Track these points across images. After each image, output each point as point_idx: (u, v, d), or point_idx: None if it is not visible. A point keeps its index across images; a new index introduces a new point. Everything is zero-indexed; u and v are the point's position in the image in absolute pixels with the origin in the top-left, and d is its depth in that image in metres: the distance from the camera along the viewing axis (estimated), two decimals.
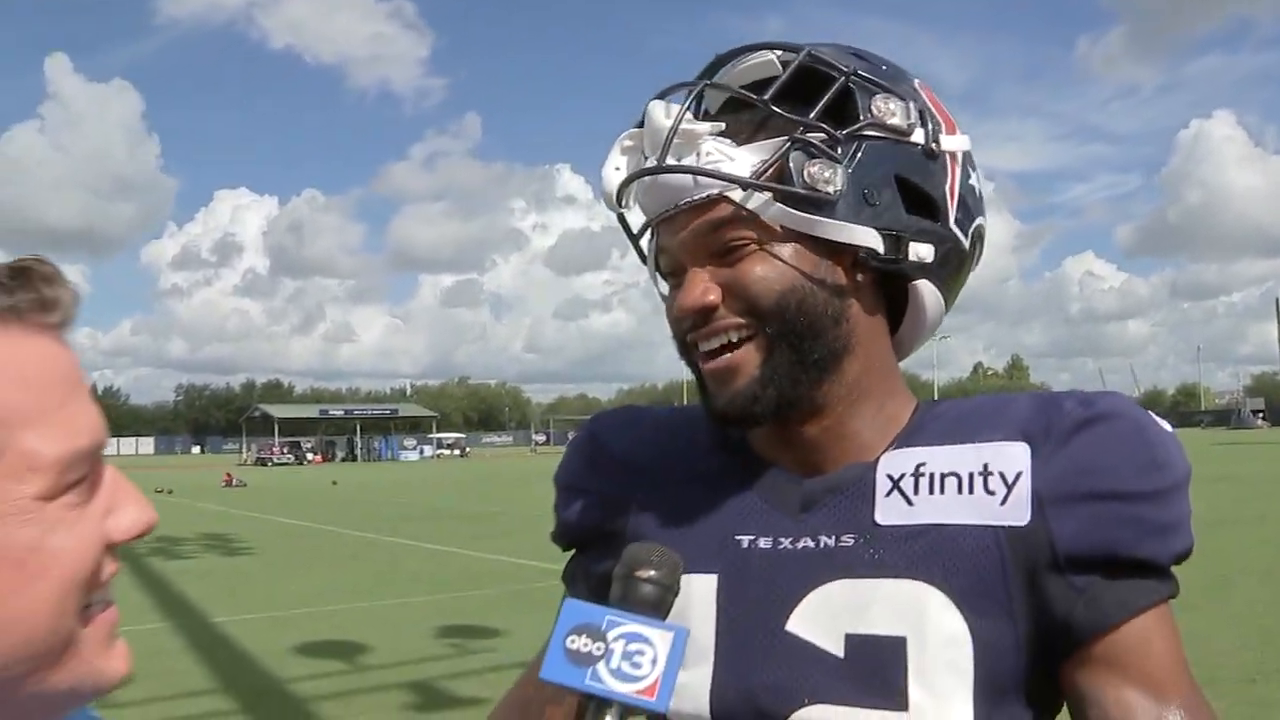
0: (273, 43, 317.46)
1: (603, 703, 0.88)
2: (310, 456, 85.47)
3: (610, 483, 1.25)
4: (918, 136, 1.11)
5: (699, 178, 1.07)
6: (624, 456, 1.26)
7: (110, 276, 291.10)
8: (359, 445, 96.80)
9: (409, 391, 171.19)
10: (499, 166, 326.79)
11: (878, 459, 1.12)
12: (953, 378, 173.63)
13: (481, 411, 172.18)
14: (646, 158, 1.10)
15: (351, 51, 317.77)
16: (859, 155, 1.08)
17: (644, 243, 1.21)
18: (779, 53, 1.12)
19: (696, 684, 1.09)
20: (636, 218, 1.18)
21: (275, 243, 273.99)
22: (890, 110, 1.09)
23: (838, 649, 1.05)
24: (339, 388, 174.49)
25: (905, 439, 1.12)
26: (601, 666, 0.89)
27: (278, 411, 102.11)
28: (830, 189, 1.06)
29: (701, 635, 1.10)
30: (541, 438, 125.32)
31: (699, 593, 1.12)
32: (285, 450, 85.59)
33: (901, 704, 1.01)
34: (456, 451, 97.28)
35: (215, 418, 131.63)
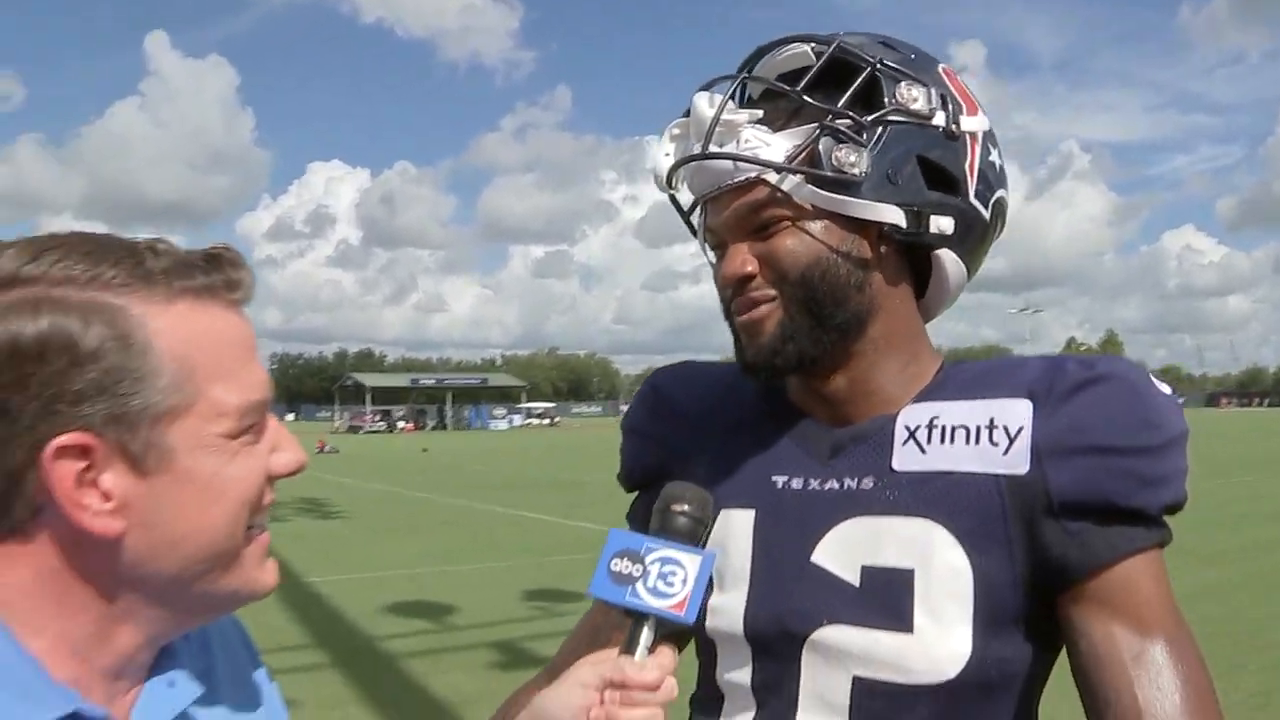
0: (364, 17, 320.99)
1: (641, 616, 1.01)
2: (401, 425, 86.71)
3: (668, 429, 1.40)
4: (939, 119, 1.21)
5: (739, 162, 1.18)
6: (681, 406, 1.40)
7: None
8: (449, 414, 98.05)
9: (499, 361, 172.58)
10: (589, 139, 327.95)
11: (898, 412, 1.23)
12: (1046, 352, 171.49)
13: (571, 382, 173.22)
14: (693, 145, 1.22)
15: (442, 25, 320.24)
16: (883, 138, 1.19)
17: (694, 219, 1.32)
18: (813, 45, 1.23)
19: (733, 605, 1.23)
20: (685, 197, 1.30)
21: (367, 214, 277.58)
22: (913, 96, 1.20)
23: (854, 578, 1.18)
24: (430, 357, 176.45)
25: (925, 394, 1.24)
26: (640, 585, 1.02)
27: (370, 380, 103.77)
28: (855, 171, 1.16)
29: (738, 563, 1.24)
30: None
31: (738, 525, 1.26)
32: (377, 418, 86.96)
33: (907, 627, 1.14)
34: (545, 421, 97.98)
35: (309, 386, 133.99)
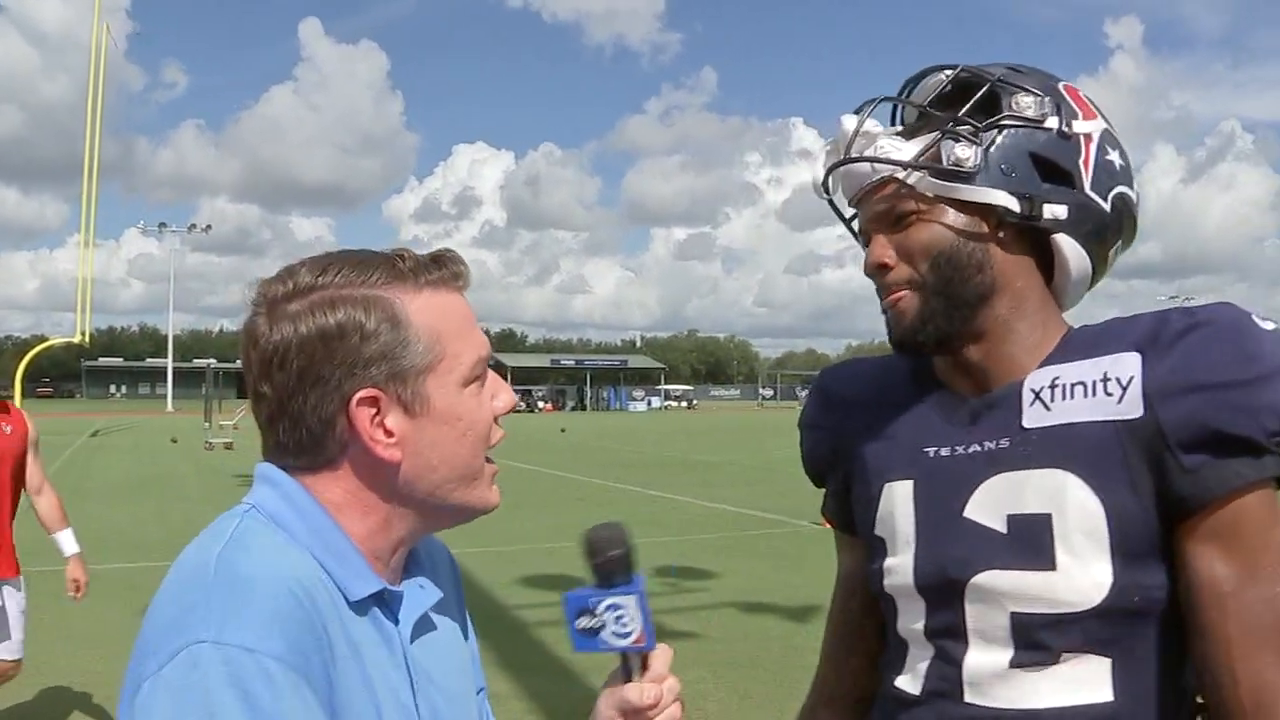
0: (511, 1, 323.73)
1: (622, 654, 1.21)
2: (541, 405, 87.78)
3: (835, 419, 1.61)
4: (1051, 123, 1.39)
5: (873, 163, 1.40)
6: (845, 398, 1.62)
7: (355, 229, 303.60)
8: (589, 395, 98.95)
9: (638, 343, 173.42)
10: (734, 120, 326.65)
11: (1025, 377, 1.40)
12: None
13: (709, 364, 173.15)
14: (840, 155, 1.44)
15: (588, 8, 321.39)
16: (998, 138, 1.38)
17: (854, 223, 1.54)
18: (948, 72, 1.44)
19: (904, 565, 1.44)
20: (840, 200, 1.52)
21: (512, 195, 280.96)
22: (1026, 104, 1.39)
23: (1002, 527, 1.35)
24: (570, 338, 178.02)
25: (1049, 359, 1.40)
26: (605, 634, 1.20)
27: (511, 360, 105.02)
28: (970, 164, 1.36)
29: (904, 527, 1.45)
30: (769, 392, 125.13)
31: (900, 495, 1.46)
32: (518, 398, 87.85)
33: (1050, 565, 1.31)
34: (683, 403, 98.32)
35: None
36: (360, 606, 1.13)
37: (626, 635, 1.20)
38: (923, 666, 1.42)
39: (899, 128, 1.45)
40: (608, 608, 1.20)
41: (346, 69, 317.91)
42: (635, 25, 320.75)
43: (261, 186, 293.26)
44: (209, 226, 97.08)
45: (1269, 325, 1.29)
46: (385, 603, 1.18)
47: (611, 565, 1.21)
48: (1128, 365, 1.31)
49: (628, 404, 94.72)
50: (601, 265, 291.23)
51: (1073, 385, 1.35)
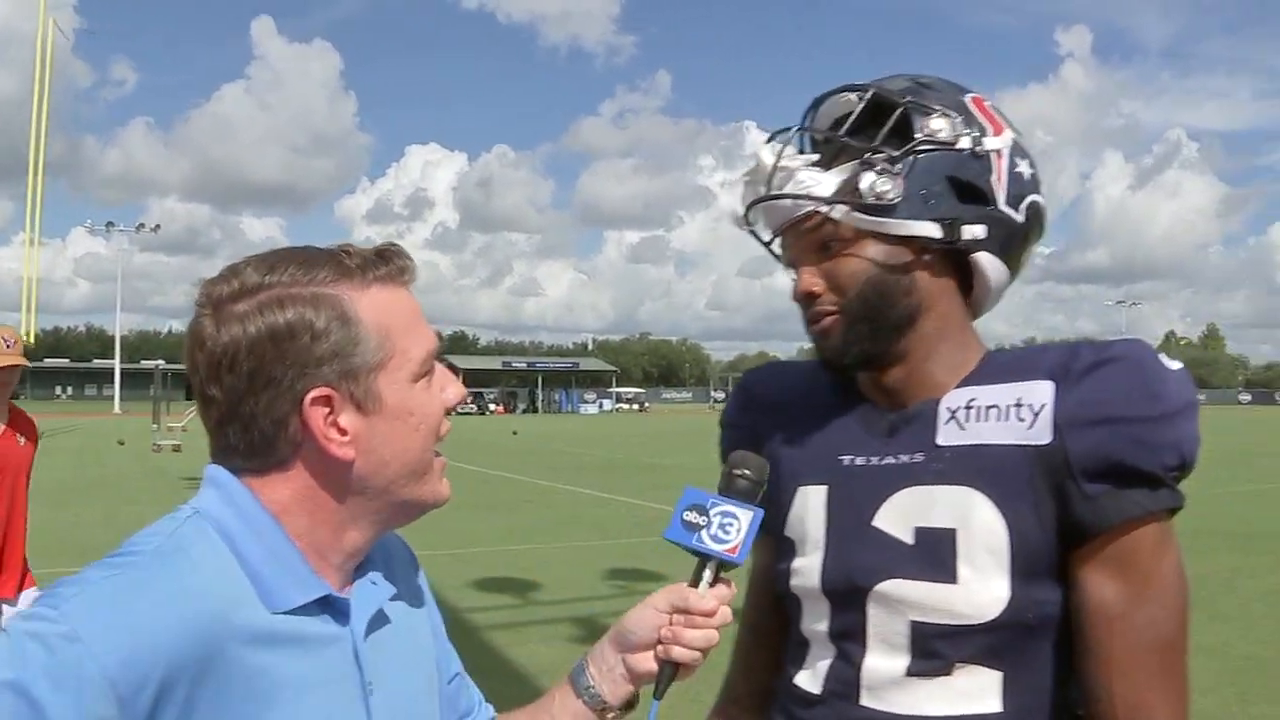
0: (466, 2, 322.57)
1: (705, 557, 1.29)
2: (493, 407, 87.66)
3: (756, 419, 1.65)
4: (964, 143, 1.43)
5: (796, 199, 1.44)
6: (766, 399, 1.66)
7: (307, 230, 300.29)
8: (540, 397, 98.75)
9: (591, 346, 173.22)
10: (688, 123, 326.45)
11: (942, 396, 1.45)
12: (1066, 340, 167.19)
13: (661, 367, 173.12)
14: (760, 189, 1.48)
15: (543, 9, 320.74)
16: (915, 165, 1.41)
17: (775, 248, 1.56)
18: (857, 93, 1.47)
19: (811, 567, 1.48)
20: (762, 230, 1.55)
21: (465, 197, 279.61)
22: (939, 127, 1.42)
23: (909, 538, 1.40)
24: (523, 341, 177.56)
25: (966, 380, 1.46)
26: (704, 533, 1.29)
27: (463, 363, 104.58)
28: (890, 196, 1.39)
29: (815, 532, 1.49)
30: (720, 395, 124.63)
31: (813, 499, 1.51)
32: (469, 400, 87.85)
33: (952, 578, 1.36)
34: (635, 406, 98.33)
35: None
36: (296, 615, 1.12)
37: (724, 543, 1.28)
38: (823, 666, 1.47)
39: (815, 156, 1.47)
40: (722, 513, 1.29)
41: (299, 68, 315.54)
42: (590, 27, 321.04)
43: (212, 186, 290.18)
44: (158, 226, 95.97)
45: (1174, 365, 1.36)
46: (332, 606, 1.17)
47: (744, 481, 1.32)
48: (1040, 393, 1.37)
49: (579, 406, 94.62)
50: (554, 268, 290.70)
51: (987, 408, 1.40)
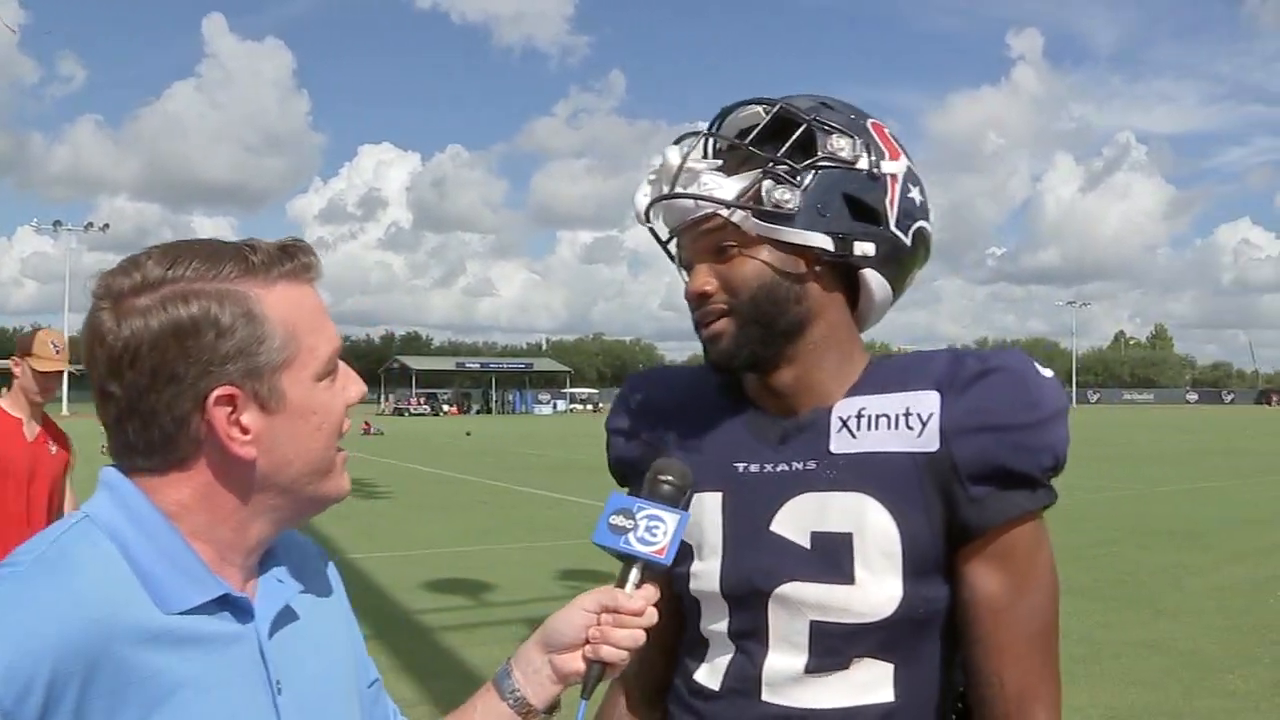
0: (420, 1, 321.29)
1: (631, 559, 1.33)
2: (446, 408, 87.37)
3: (643, 426, 1.68)
4: (862, 164, 1.48)
5: (698, 200, 1.47)
6: (653, 405, 1.69)
7: (258, 229, 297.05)
8: (494, 398, 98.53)
9: (544, 346, 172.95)
10: (642, 124, 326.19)
11: (833, 405, 1.50)
12: (1093, 346, 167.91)
13: (615, 368, 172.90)
14: (664, 187, 1.51)
15: (497, 9, 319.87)
16: (815, 179, 1.46)
17: (672, 247, 1.60)
18: (764, 106, 1.51)
19: (710, 571, 1.52)
20: (660, 228, 1.58)
21: (419, 197, 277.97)
22: (840, 146, 1.48)
23: (806, 542, 1.46)
24: (476, 341, 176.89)
25: (854, 389, 1.51)
26: (631, 536, 1.33)
27: (416, 364, 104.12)
28: (789, 206, 1.44)
29: (712, 537, 1.53)
30: None
31: (709, 506, 1.54)
32: (422, 401, 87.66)
33: (849, 580, 1.42)
34: (589, 406, 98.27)
35: (355, 368, 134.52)
36: (195, 615, 1.11)
37: (650, 545, 1.32)
38: (722, 662, 1.51)
39: (719, 161, 1.51)
40: (648, 516, 1.33)
41: (251, 66, 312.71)
42: (544, 27, 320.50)
43: (163, 185, 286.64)
44: (106, 225, 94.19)
45: (1048, 374, 1.46)
46: (233, 604, 1.15)
47: (668, 486, 1.35)
48: (928, 402, 1.44)
49: (533, 407, 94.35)
50: (508, 268, 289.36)
51: (878, 416, 1.47)
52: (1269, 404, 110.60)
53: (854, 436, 1.47)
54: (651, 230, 1.59)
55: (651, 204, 1.53)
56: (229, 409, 1.11)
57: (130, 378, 1.10)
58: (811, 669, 1.43)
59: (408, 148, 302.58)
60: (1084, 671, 6.88)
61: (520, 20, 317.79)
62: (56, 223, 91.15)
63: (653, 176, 1.55)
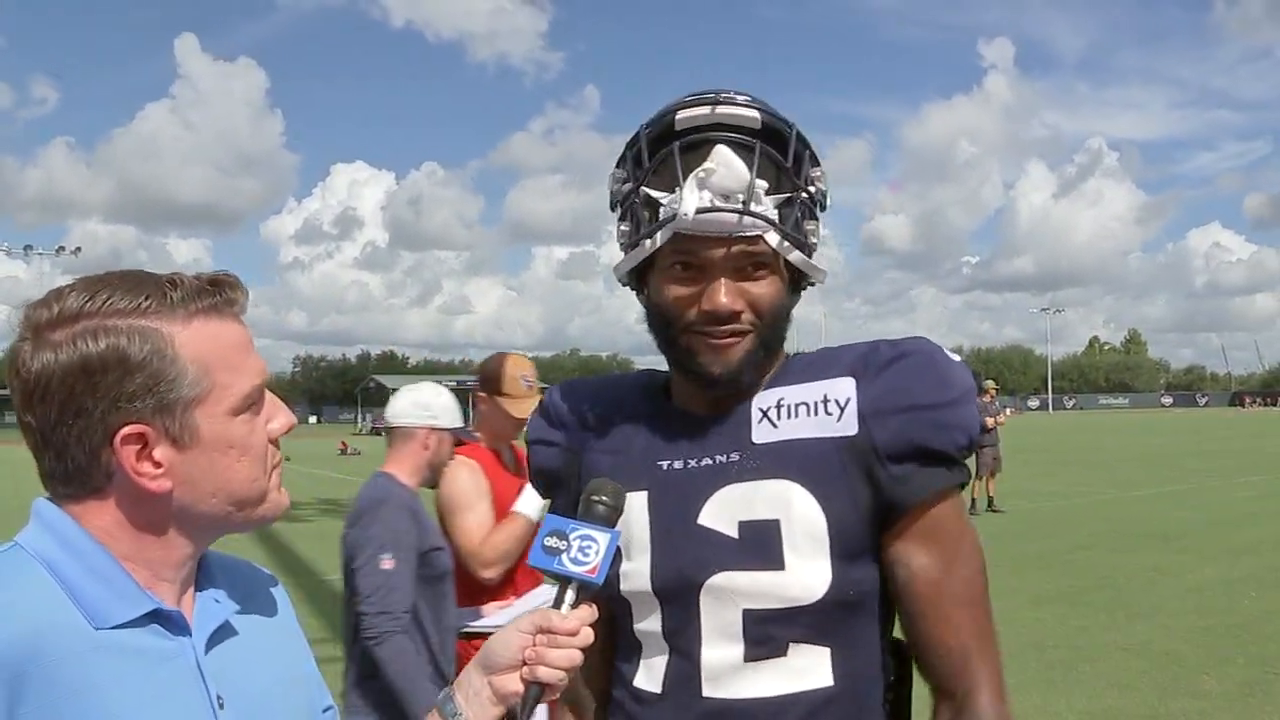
0: (393, 21, 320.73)
1: (565, 579, 1.34)
2: None
3: (565, 435, 1.71)
4: (824, 185, 1.55)
5: (759, 221, 1.44)
6: (574, 415, 1.71)
7: (233, 250, 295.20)
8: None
9: None
10: (618, 139, 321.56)
11: (753, 398, 1.55)
12: (1068, 351, 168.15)
13: None
14: (717, 198, 1.44)
15: (471, 27, 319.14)
16: (810, 208, 1.53)
17: (659, 235, 1.49)
18: (760, 113, 1.48)
19: (640, 570, 1.54)
20: (680, 227, 1.46)
21: (394, 216, 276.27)
22: (818, 175, 1.53)
23: (734, 532, 1.49)
24: (453, 359, 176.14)
25: (772, 382, 1.57)
26: (564, 556, 1.34)
27: (392, 382, 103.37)
28: (814, 239, 1.52)
29: (640, 535, 1.55)
30: None
31: (636, 506, 1.56)
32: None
33: (779, 565, 1.45)
34: None
35: (331, 388, 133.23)
36: (128, 629, 1.13)
37: (583, 564, 1.33)
38: (659, 663, 1.54)
39: (766, 183, 1.47)
40: (580, 536, 1.35)
41: (224, 87, 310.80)
42: (519, 44, 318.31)
43: (136, 207, 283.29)
44: (79, 249, 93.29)
45: (957, 358, 1.52)
46: (167, 619, 1.17)
47: (602, 506, 1.37)
48: (844, 389, 1.50)
49: None
50: (484, 285, 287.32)
51: (796, 405, 1.52)
52: (1242, 406, 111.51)
53: (775, 426, 1.51)
54: (655, 213, 1.51)
55: (709, 211, 1.44)
56: (138, 445, 1.14)
57: (41, 410, 1.13)
58: (749, 658, 1.46)
59: (382, 166, 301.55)
60: (1062, 677, 6.91)
61: (494, 38, 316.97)
62: (27, 247, 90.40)
63: (702, 175, 1.45)
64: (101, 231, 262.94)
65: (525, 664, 1.31)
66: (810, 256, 1.52)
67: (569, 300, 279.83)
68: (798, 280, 1.55)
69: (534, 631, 1.31)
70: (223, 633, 1.24)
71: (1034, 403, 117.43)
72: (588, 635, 1.32)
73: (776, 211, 1.47)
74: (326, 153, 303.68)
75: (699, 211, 1.44)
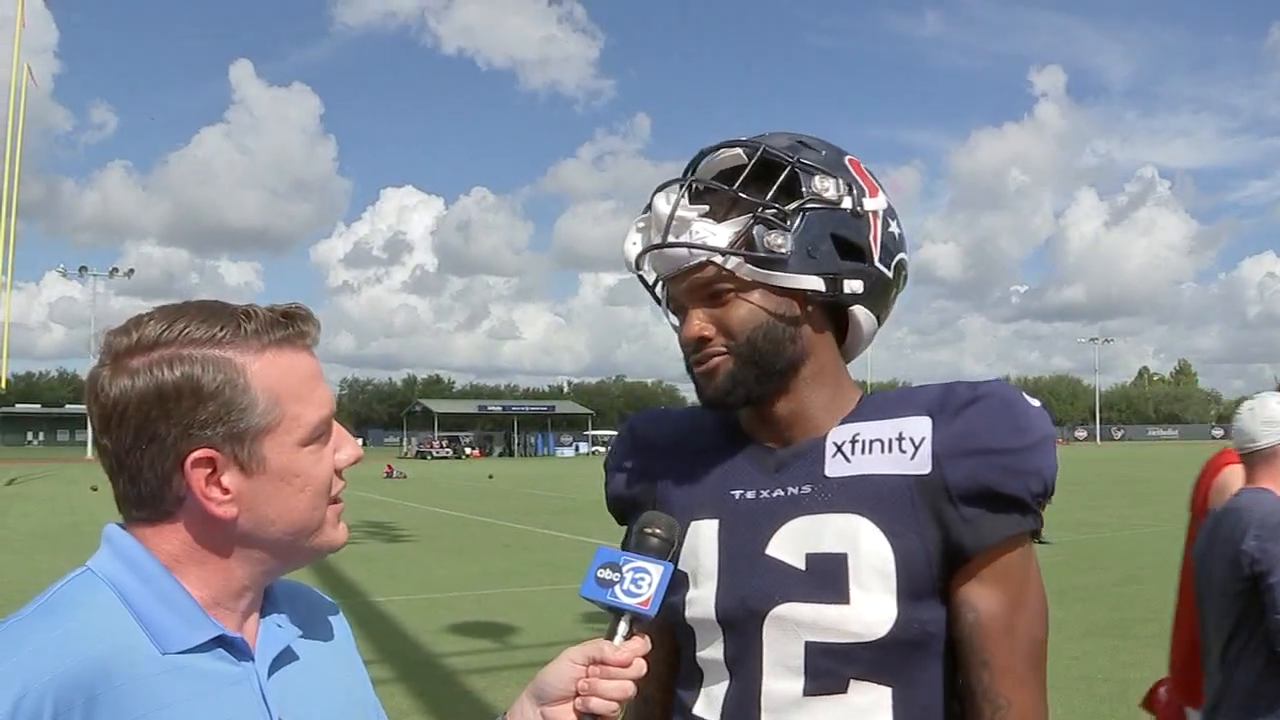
0: (445, 47, 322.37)
1: (619, 611, 1.35)
2: (468, 451, 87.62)
3: (642, 462, 1.72)
4: (846, 203, 1.52)
5: (692, 249, 1.50)
6: (653, 442, 1.73)
7: (283, 273, 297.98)
8: (516, 441, 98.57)
9: (566, 389, 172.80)
10: (667, 166, 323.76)
11: (827, 433, 1.55)
12: (1116, 382, 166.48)
13: (637, 409, 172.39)
14: (653, 236, 1.54)
15: (523, 55, 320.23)
16: (803, 222, 1.50)
17: (658, 291, 1.65)
18: (744, 148, 1.54)
19: (705, 596, 1.53)
20: (649, 275, 1.63)
21: (443, 241, 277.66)
22: (825, 187, 1.51)
23: (801, 564, 1.48)
24: (499, 384, 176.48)
25: (848, 418, 1.56)
26: (617, 588, 1.36)
27: (438, 406, 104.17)
28: (782, 251, 1.48)
29: (708, 562, 1.55)
30: None
31: (705, 533, 1.56)
32: (444, 444, 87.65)
33: (844, 599, 1.44)
34: None
35: (377, 412, 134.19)
36: (193, 654, 1.17)
37: (636, 596, 1.35)
38: (718, 691, 1.53)
39: (705, 207, 1.52)
40: (634, 569, 1.37)
41: (278, 112, 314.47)
42: (569, 72, 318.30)
43: (189, 230, 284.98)
44: (131, 270, 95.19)
45: (1035, 403, 1.50)
46: (231, 645, 1.20)
47: (655, 539, 1.39)
48: (920, 427, 1.49)
49: (556, 449, 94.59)
50: (531, 311, 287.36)
51: (871, 441, 1.51)
52: None
53: (848, 460, 1.51)
54: (640, 278, 1.64)
55: (643, 253, 1.55)
56: (208, 470, 1.17)
57: (117, 435, 1.16)
58: (809, 691, 1.45)
59: (431, 191, 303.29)
60: (1110, 711, 6.84)
61: (546, 65, 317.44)
62: (82, 268, 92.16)
63: (641, 224, 1.58)
64: (156, 254, 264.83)
65: (578, 694, 1.31)
66: (784, 268, 1.48)
67: (616, 326, 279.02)
68: (808, 298, 1.52)
69: (587, 663, 1.32)
70: (285, 658, 1.27)
71: (1081, 433, 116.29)
72: (640, 666, 1.33)
73: (728, 234, 1.48)
74: (376, 177, 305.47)
75: (641, 254, 1.55)
